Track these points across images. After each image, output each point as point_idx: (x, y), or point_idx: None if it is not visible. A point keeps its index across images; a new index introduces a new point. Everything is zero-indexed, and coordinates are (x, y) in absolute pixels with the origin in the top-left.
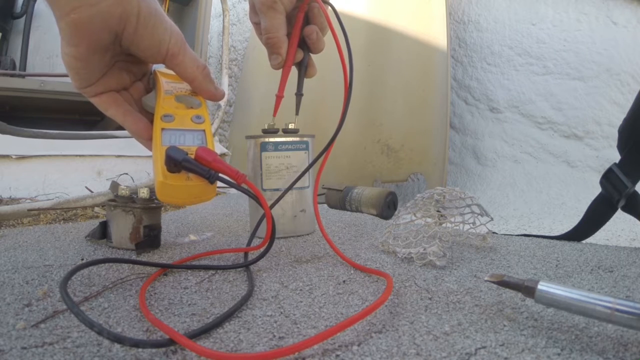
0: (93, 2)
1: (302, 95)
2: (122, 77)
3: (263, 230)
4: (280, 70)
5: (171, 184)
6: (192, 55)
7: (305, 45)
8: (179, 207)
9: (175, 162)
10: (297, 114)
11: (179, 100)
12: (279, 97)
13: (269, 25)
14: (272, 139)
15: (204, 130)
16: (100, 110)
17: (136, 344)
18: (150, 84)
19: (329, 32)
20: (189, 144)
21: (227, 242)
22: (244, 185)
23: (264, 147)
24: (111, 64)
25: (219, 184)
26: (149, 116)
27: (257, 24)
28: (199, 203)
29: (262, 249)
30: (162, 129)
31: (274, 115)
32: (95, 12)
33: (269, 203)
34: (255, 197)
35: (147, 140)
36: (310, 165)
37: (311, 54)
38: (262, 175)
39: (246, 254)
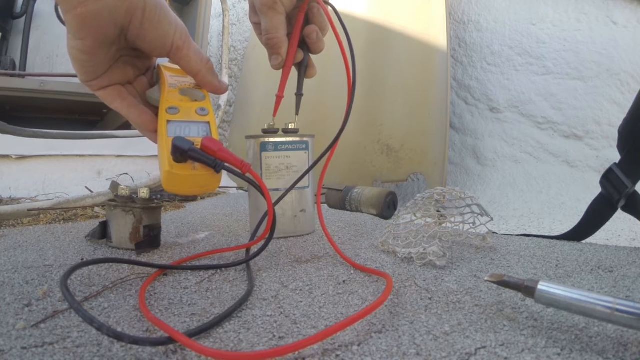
0: None
1: (302, 95)
2: (126, 71)
3: (259, 230)
4: (281, 70)
5: (177, 173)
6: (196, 48)
7: (305, 46)
8: (179, 207)
9: (182, 152)
10: (297, 114)
11: (183, 93)
12: (279, 97)
13: (269, 26)
14: (272, 139)
15: (208, 122)
16: (103, 106)
17: (135, 341)
18: (154, 79)
19: (331, 33)
20: (194, 135)
21: (227, 242)
22: (248, 175)
23: (264, 147)
24: (116, 58)
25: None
26: (153, 109)
27: (257, 24)
28: (204, 193)
29: (262, 242)
30: (168, 121)
31: (274, 115)
32: (102, 6)
33: None
34: (259, 187)
35: (152, 133)
36: (313, 166)
37: (311, 55)
38: (262, 175)
39: (247, 252)
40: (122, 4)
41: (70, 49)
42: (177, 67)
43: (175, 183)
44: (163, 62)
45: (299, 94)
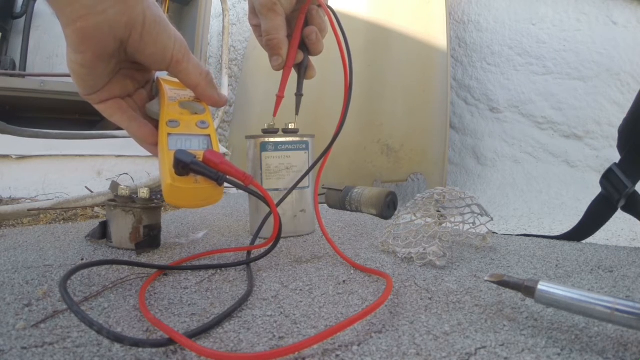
0: (99, 10)
1: (302, 95)
2: (126, 84)
3: (265, 231)
4: (281, 71)
5: (179, 186)
6: (195, 62)
7: (305, 47)
8: (179, 207)
9: (184, 165)
10: (297, 114)
11: (183, 106)
12: (280, 98)
13: (269, 27)
14: (272, 139)
15: (209, 135)
16: (107, 118)
17: (136, 343)
18: (154, 92)
19: (330, 34)
20: (195, 148)
21: (227, 242)
22: (251, 187)
23: (263, 147)
24: (116, 71)
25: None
26: (153, 122)
27: (256, 26)
28: (206, 206)
29: (265, 248)
30: (168, 134)
31: (274, 115)
32: (101, 20)
33: None
34: (262, 198)
35: (153, 146)
36: (312, 166)
37: (310, 56)
38: (262, 175)
39: (248, 253)
40: (121, 17)
41: (70, 63)
42: (176, 80)
43: (178, 196)
44: (162, 75)
45: (298, 95)
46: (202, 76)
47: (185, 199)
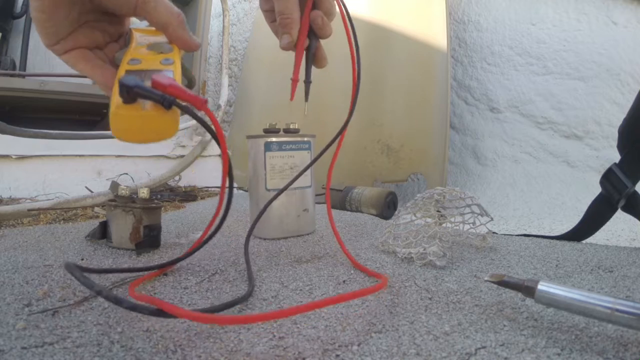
0: None
1: (310, 82)
2: (94, 36)
3: (263, 230)
4: (290, 58)
5: (124, 114)
6: (165, 2)
7: (312, 31)
8: (179, 207)
9: (128, 89)
10: (306, 100)
11: (150, 48)
12: (294, 81)
13: (283, 7)
14: (276, 139)
15: (172, 71)
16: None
17: (133, 307)
18: (126, 43)
19: (335, 32)
20: None
21: (227, 242)
22: (202, 114)
23: (268, 146)
24: (81, 21)
25: (216, 184)
26: None
27: (267, 12)
28: (159, 140)
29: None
30: (127, 71)
31: (291, 99)
32: None
33: (274, 203)
34: (212, 130)
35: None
36: (312, 163)
37: (320, 42)
38: (266, 175)
39: (246, 247)
40: None
41: (32, 11)
42: (151, 28)
43: (124, 126)
44: (138, 27)
45: (307, 82)
46: (173, 16)
47: (133, 130)
